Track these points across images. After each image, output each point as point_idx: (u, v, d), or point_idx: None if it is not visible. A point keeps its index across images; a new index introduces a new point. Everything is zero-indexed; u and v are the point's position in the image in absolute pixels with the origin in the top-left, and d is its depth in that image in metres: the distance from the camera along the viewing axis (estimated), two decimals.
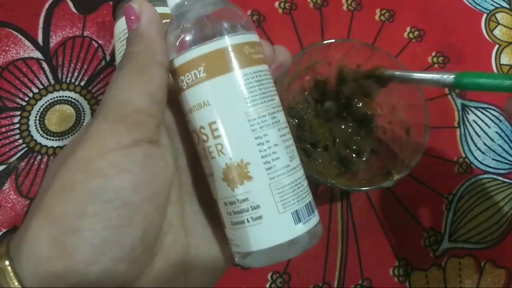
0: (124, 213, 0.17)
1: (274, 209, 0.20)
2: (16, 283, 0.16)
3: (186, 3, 0.21)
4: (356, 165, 0.39)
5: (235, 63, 0.20)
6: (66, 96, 0.41)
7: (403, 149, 0.37)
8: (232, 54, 0.20)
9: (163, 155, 0.20)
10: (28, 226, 0.17)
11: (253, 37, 0.21)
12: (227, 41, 0.20)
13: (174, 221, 0.22)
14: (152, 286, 0.20)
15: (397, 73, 0.35)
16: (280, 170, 0.20)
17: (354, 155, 0.39)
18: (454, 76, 0.30)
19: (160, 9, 0.35)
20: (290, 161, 0.21)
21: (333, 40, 0.37)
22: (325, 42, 0.37)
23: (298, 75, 0.39)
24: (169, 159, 0.21)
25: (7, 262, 0.17)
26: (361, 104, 0.39)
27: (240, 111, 0.20)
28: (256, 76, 0.20)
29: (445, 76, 0.30)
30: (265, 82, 0.21)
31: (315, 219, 0.21)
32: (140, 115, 0.19)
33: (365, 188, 0.34)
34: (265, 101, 0.20)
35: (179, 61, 0.20)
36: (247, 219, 0.20)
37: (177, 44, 0.20)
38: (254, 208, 0.20)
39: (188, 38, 0.20)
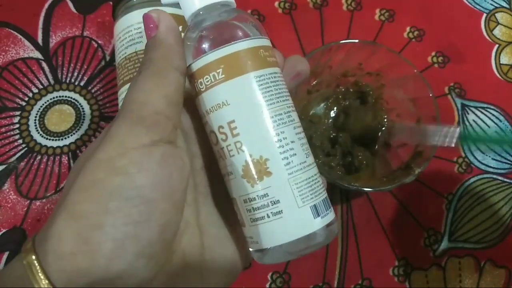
0: (143, 209, 0.18)
1: (293, 204, 0.21)
2: (43, 277, 0.17)
3: (201, 12, 0.22)
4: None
5: (252, 64, 0.21)
6: (65, 96, 0.41)
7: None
8: (249, 56, 0.21)
9: (180, 155, 0.20)
10: (52, 223, 0.18)
11: (267, 41, 0.22)
12: (244, 45, 0.21)
13: (190, 221, 0.22)
14: (168, 286, 0.20)
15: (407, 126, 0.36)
16: (297, 166, 0.21)
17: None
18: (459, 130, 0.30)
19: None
20: (306, 157, 0.22)
21: (333, 43, 0.37)
22: (326, 45, 0.37)
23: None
24: (186, 159, 0.21)
25: (33, 257, 0.17)
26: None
27: (258, 109, 0.21)
28: (272, 77, 0.21)
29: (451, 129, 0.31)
30: (280, 83, 0.22)
31: (331, 214, 0.22)
32: (158, 116, 0.19)
33: (387, 187, 0.34)
34: (280, 101, 0.21)
35: (197, 65, 0.21)
36: (267, 214, 0.21)
37: (195, 49, 0.21)
38: (274, 203, 0.20)
39: (206, 43, 0.21)
